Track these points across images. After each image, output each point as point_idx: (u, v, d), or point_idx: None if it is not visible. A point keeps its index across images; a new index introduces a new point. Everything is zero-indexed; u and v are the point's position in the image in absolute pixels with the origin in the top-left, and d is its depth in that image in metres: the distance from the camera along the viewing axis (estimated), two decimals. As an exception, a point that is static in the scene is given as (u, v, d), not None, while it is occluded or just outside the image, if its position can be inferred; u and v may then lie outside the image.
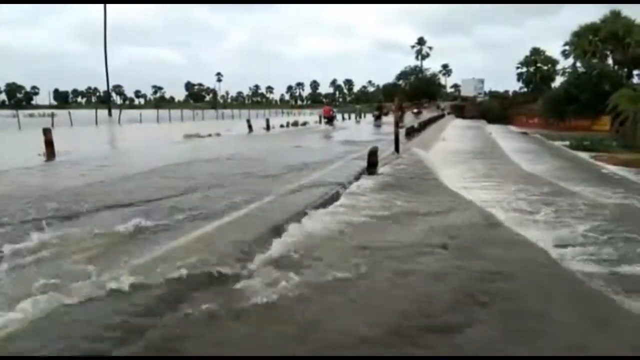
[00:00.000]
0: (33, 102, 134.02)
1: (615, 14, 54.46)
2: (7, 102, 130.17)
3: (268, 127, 24.40)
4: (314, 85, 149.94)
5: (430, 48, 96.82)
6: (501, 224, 5.76)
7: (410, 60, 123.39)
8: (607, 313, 3.34)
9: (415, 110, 44.03)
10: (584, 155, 24.88)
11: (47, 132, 11.76)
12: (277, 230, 4.72)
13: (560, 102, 48.12)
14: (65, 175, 8.74)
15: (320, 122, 35.70)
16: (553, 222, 6.85)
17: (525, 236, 5.31)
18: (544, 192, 10.38)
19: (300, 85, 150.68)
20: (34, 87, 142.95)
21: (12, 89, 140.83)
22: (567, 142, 32.24)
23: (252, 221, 5.08)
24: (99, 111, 51.06)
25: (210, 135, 19.69)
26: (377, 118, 33.91)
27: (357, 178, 8.43)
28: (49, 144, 11.63)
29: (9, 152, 12.93)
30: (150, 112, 46.69)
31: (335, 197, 6.59)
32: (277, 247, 4.21)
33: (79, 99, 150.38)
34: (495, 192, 10.64)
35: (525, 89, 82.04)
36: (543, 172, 15.64)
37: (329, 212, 5.85)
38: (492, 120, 57.89)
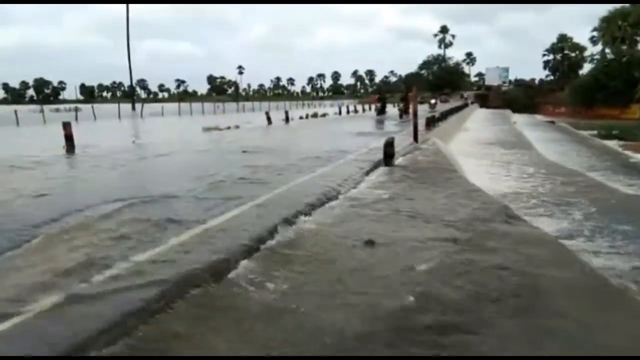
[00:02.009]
0: (60, 97, 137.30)
1: (646, -2, 52.33)
2: (35, 97, 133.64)
3: (287, 119, 24.31)
4: (335, 76, 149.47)
5: (453, 36, 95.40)
6: (519, 217, 5.54)
7: (432, 49, 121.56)
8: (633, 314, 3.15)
9: (432, 101, 38.35)
10: (612, 144, 24.13)
11: (66, 126, 11.91)
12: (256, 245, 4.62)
13: (589, 90, 46.77)
14: (78, 168, 8.96)
15: (340, 113, 35.51)
16: (575, 215, 6.60)
17: (544, 230, 5.10)
18: (567, 184, 10.08)
19: (321, 76, 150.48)
20: (60, 82, 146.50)
21: (40, 84, 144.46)
22: (595, 131, 31.34)
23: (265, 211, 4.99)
24: (124, 105, 52.22)
25: (229, 127, 19.73)
26: (380, 109, 29.37)
27: (371, 170, 8.26)
28: (69, 138, 11.78)
29: (31, 146, 13.14)
30: (173, 106, 47.22)
31: (337, 196, 6.34)
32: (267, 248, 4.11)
33: (105, 94, 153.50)
34: (517, 183, 10.37)
35: (552, 77, 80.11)
36: (567, 161, 15.22)
37: (335, 205, 5.71)
38: (517, 109, 56.71)
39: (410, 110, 14.81)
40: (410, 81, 79.45)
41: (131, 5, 63.62)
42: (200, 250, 3.74)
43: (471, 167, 11.36)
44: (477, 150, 17.15)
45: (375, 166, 8.73)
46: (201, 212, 4.95)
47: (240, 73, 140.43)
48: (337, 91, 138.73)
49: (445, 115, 24.05)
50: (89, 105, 45.93)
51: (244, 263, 3.61)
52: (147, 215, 4.80)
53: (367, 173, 8.07)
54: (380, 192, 6.62)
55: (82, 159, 10.12)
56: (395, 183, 7.37)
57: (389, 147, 9.32)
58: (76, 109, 32.81)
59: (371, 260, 3.79)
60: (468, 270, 3.60)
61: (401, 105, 26.29)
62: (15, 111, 26.92)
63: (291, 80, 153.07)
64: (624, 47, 51.64)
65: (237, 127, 20.45)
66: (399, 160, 9.48)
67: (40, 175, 7.69)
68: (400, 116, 24.52)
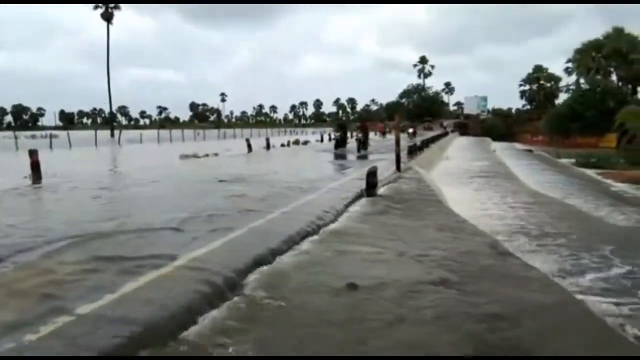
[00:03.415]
0: (39, 123, 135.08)
1: (618, 31, 54.26)
2: (12, 124, 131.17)
3: (268, 146, 23.95)
4: (317, 104, 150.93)
5: (432, 67, 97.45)
6: (510, 253, 5.16)
7: (412, 79, 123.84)
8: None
9: (410, 131, 34.58)
10: (590, 172, 24.30)
11: (32, 153, 11.26)
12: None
13: (565, 119, 47.77)
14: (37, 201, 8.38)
15: (322, 140, 35.32)
16: (567, 250, 6.25)
17: (538, 269, 4.71)
18: (554, 215, 9.82)
19: (303, 104, 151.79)
20: (39, 109, 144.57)
21: (18, 110, 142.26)
22: (573, 160, 31.68)
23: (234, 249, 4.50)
24: (103, 132, 51.37)
25: (207, 155, 19.25)
26: (338, 142, 21.83)
27: (353, 201, 7.85)
28: (35, 166, 11.14)
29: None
30: (152, 132, 46.66)
31: (317, 230, 5.87)
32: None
33: (85, 120, 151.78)
34: (503, 214, 10.07)
35: (529, 106, 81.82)
36: (550, 190, 15.08)
37: (315, 241, 5.26)
38: (496, 137, 57.44)
39: (393, 138, 14.55)
40: (391, 109, 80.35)
41: (114, 33, 63.50)
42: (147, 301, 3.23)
43: (455, 196, 11.05)
44: (460, 179, 16.94)
45: (358, 197, 8.35)
46: (155, 249, 4.44)
47: (223, 100, 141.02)
48: (319, 119, 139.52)
49: (426, 143, 23.98)
50: (66, 132, 45.03)
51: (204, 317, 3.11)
52: (90, 255, 4.28)
53: (349, 204, 7.67)
54: (364, 226, 6.20)
55: (46, 189, 9.51)
56: (379, 215, 6.97)
57: (371, 176, 8.96)
58: (51, 136, 31.83)
59: (354, 312, 3.31)
60: (463, 322, 3.16)
61: (359, 135, 20.58)
62: (-14, 138, 26.05)
63: (274, 108, 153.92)
64: (598, 77, 53.07)
65: (215, 154, 19.98)
66: (381, 190, 9.12)
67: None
68: (358, 149, 19.69)
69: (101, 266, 3.98)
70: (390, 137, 28.65)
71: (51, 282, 3.60)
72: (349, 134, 22.84)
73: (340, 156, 18.42)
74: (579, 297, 4.26)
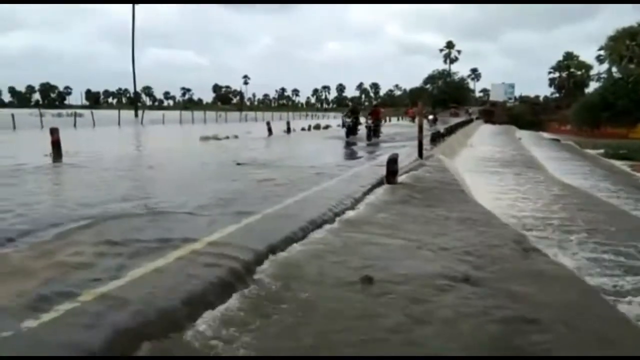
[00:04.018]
0: (66, 102, 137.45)
1: (655, 17, 52.00)
2: (40, 102, 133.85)
3: (289, 130, 23.76)
4: (340, 88, 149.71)
5: (458, 52, 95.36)
6: (537, 249, 4.89)
7: (437, 64, 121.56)
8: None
9: (430, 117, 32.23)
10: (619, 164, 23.53)
11: (53, 132, 11.32)
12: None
13: (595, 108, 46.30)
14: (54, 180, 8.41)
15: (343, 125, 34.87)
16: (596, 246, 5.94)
17: (567, 267, 4.45)
18: (581, 208, 9.44)
19: (326, 88, 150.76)
20: (67, 88, 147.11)
21: (46, 88, 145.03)
22: (602, 150, 30.74)
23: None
24: (127, 112, 51.86)
25: (227, 137, 19.16)
26: (350, 128, 19.32)
27: (372, 189, 7.62)
28: (56, 144, 11.20)
29: (17, 152, 12.59)
30: (175, 114, 46.77)
31: (334, 218, 5.66)
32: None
33: (110, 100, 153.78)
34: (528, 206, 9.73)
35: (558, 95, 79.65)
36: (576, 181, 14.59)
37: (330, 230, 5.07)
38: (522, 126, 56.19)
39: (416, 124, 14.20)
40: (415, 95, 79.07)
41: (139, 14, 63.76)
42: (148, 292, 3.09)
43: (479, 186, 10.72)
44: (484, 168, 16.52)
45: (378, 184, 8.12)
46: (165, 233, 4.32)
47: (246, 83, 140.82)
48: (341, 103, 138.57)
49: (450, 131, 23.47)
50: (90, 111, 45.57)
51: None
52: (107, 237, 4.18)
53: (368, 192, 7.45)
54: (382, 215, 5.98)
55: (65, 168, 9.53)
56: (399, 204, 6.73)
57: (392, 164, 8.69)
58: (75, 114, 32.15)
59: (368, 308, 3.12)
60: (487, 324, 2.95)
61: (369, 121, 18.93)
62: (12, 115, 26.44)
63: (296, 91, 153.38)
64: (632, 66, 51.19)
65: (236, 137, 19.88)
66: (402, 178, 8.86)
67: (10, 189, 7.01)
68: (369, 137, 18.08)
69: (110, 249, 3.89)
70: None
71: (59, 264, 3.50)
72: (362, 120, 20.12)
73: (349, 144, 16.92)
74: (609, 298, 3.99)
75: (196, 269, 3.46)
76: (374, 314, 3.05)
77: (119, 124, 32.99)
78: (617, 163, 23.94)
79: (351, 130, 19.12)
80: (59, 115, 50.74)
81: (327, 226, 5.18)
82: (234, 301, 3.08)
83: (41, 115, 31.40)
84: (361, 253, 4.32)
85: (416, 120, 18.25)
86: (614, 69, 54.72)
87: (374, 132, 18.42)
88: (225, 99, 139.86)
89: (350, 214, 5.92)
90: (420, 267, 4.00)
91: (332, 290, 3.39)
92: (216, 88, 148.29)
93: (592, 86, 65.55)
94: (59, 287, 3.03)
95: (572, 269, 4.54)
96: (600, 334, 2.97)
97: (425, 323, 2.92)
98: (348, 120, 19.56)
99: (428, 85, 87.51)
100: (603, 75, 57.32)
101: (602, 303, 3.56)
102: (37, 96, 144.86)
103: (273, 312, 2.99)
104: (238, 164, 10.10)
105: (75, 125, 28.41)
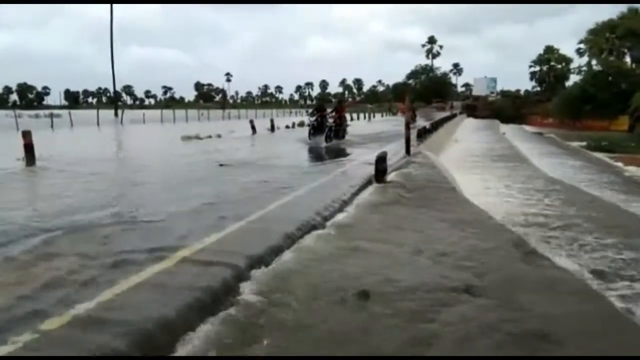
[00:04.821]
0: (44, 103, 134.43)
1: (634, 11, 52.74)
2: (18, 103, 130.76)
3: (272, 128, 23.34)
4: (323, 84, 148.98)
5: (440, 47, 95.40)
6: (538, 253, 4.65)
7: (420, 60, 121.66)
8: None
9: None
10: (601, 156, 23.65)
11: (26, 135, 10.76)
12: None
13: (576, 101, 46.70)
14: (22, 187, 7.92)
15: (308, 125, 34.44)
16: (596, 245, 5.74)
17: (570, 271, 4.21)
18: (572, 203, 9.28)
19: (309, 85, 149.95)
20: (45, 88, 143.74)
21: (24, 89, 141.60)
22: (584, 143, 30.94)
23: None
24: (107, 111, 50.70)
25: (210, 137, 18.68)
26: (315, 129, 15.92)
27: (361, 189, 7.34)
28: (29, 148, 10.66)
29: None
30: (156, 113, 45.89)
31: (324, 223, 5.36)
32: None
33: (90, 100, 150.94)
34: (520, 201, 9.54)
35: (539, 88, 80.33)
36: (563, 175, 14.51)
37: (320, 237, 4.75)
38: (505, 119, 56.42)
39: (404, 119, 13.95)
40: (398, 90, 79.10)
41: (120, 12, 62.58)
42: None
43: (468, 183, 10.50)
44: (472, 163, 16.37)
45: (367, 183, 7.84)
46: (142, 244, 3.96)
47: (228, 80, 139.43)
48: (324, 99, 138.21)
49: (435, 126, 23.33)
50: (71, 111, 44.49)
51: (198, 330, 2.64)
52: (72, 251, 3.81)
53: (357, 192, 7.16)
54: (374, 217, 5.69)
55: (37, 173, 9.06)
56: (390, 205, 6.45)
57: (380, 162, 8.42)
58: (51, 115, 31.25)
59: (365, 331, 2.81)
60: (503, 344, 2.67)
61: (331, 120, 15.83)
62: (-14, 116, 25.60)
63: (279, 88, 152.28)
64: (612, 59, 51.81)
65: (219, 136, 19.40)
66: (391, 176, 8.59)
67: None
68: (328, 138, 15.19)
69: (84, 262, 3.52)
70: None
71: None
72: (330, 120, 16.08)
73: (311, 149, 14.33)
74: (620, 305, 3.75)
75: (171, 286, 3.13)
76: (373, 335, 2.75)
77: (97, 124, 32.17)
78: (599, 155, 24.06)
79: (317, 130, 15.92)
80: (37, 116, 49.45)
81: (316, 232, 4.87)
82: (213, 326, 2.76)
83: (17, 116, 30.41)
84: (353, 262, 4.03)
85: (398, 114, 17.72)
86: (593, 62, 55.37)
87: (335, 132, 15.73)
88: (208, 97, 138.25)
89: (340, 217, 5.63)
90: (419, 277, 3.71)
91: (324, 310, 3.08)
92: (198, 86, 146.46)
93: (573, 79, 66.29)
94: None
95: (574, 273, 4.31)
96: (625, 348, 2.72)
97: (432, 346, 2.63)
98: (312, 119, 16.35)
99: (411, 81, 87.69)
100: (583, 69, 57.99)
101: (619, 316, 3.31)
102: (14, 97, 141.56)
103: (258, 338, 2.67)
104: (221, 165, 9.73)
105: (52, 126, 27.61)
